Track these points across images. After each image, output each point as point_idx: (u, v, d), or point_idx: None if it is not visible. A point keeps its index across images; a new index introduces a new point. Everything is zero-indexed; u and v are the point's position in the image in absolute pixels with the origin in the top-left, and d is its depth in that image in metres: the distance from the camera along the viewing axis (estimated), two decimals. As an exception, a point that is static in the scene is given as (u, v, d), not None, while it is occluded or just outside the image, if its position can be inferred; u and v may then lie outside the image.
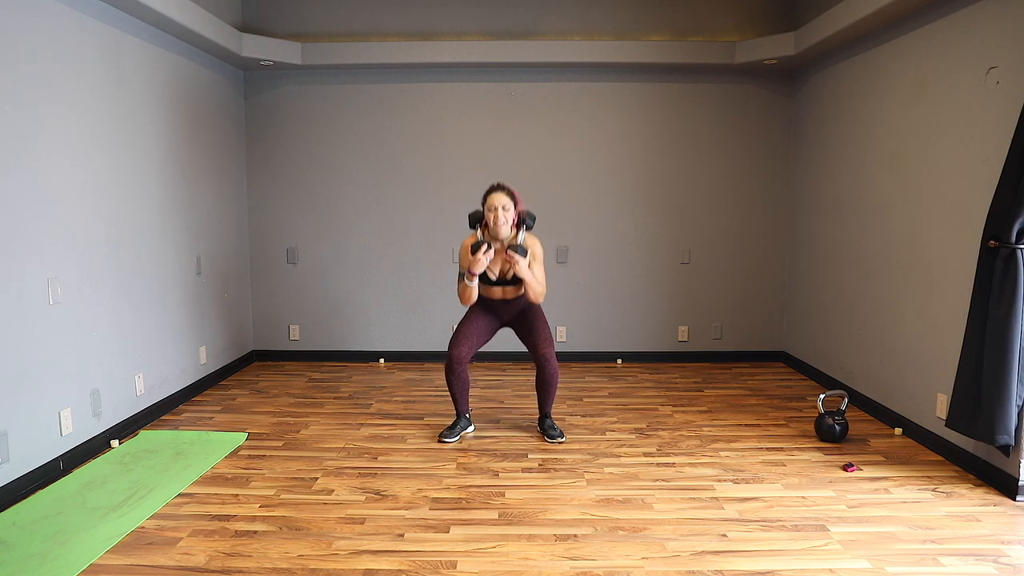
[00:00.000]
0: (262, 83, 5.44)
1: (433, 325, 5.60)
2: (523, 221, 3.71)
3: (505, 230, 3.68)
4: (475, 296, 3.74)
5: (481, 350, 5.27)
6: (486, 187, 3.80)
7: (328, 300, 5.61)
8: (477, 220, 3.74)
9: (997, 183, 3.03)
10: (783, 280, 5.61)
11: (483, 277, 3.76)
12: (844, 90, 4.62)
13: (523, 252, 3.60)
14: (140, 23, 4.02)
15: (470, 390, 4.06)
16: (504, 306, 3.87)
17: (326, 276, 5.60)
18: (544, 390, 3.87)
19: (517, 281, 3.76)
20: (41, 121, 3.24)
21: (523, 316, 3.88)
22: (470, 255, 3.62)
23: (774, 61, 5.02)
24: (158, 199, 4.26)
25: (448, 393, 4.67)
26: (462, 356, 3.77)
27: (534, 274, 3.71)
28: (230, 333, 5.25)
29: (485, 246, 3.58)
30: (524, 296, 3.84)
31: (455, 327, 3.88)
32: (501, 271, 3.76)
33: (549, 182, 5.47)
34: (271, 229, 5.56)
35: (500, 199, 3.65)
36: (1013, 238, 2.93)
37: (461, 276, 3.70)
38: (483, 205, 3.71)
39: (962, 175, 3.43)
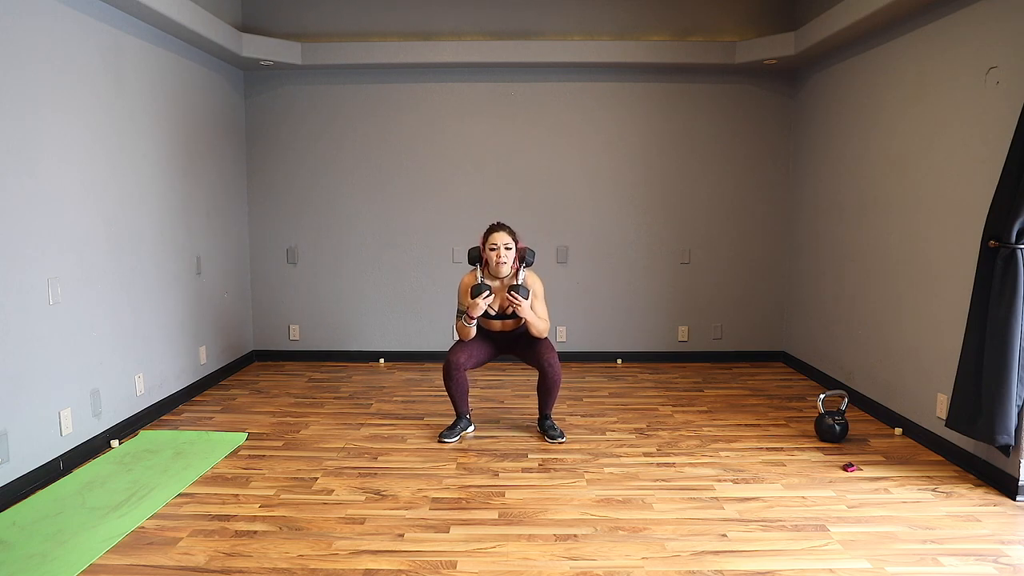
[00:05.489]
0: (262, 83, 5.44)
1: (433, 325, 5.60)
2: (523, 259, 3.73)
3: (505, 269, 3.70)
4: (473, 334, 3.79)
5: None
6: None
7: (328, 300, 5.61)
8: (476, 258, 3.75)
9: (997, 183, 3.03)
10: (783, 280, 5.61)
11: (483, 313, 3.78)
12: (844, 90, 4.62)
13: (525, 293, 3.63)
14: (140, 23, 4.02)
15: (470, 390, 4.06)
16: (503, 336, 3.92)
17: (326, 276, 5.60)
18: (546, 393, 3.86)
19: (517, 315, 3.79)
20: (41, 121, 3.24)
21: (522, 338, 3.91)
22: (470, 298, 3.64)
23: (774, 61, 5.02)
24: (158, 199, 4.26)
25: (448, 393, 4.69)
26: (460, 363, 3.77)
27: (536, 312, 3.74)
28: (230, 333, 5.25)
29: (486, 292, 3.60)
30: (524, 327, 3.87)
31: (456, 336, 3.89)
32: (501, 307, 3.79)
33: (549, 182, 5.47)
34: (271, 229, 5.56)
35: (502, 238, 3.67)
36: (1013, 238, 2.93)
37: (459, 314, 3.74)
38: (483, 243, 3.72)
39: (962, 175, 3.43)
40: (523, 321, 3.81)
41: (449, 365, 3.77)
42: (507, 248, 3.66)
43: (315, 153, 5.49)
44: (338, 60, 5.14)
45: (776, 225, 5.55)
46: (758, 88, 5.42)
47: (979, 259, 3.10)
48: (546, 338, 3.85)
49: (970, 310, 3.16)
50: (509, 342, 3.94)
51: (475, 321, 3.70)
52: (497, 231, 3.69)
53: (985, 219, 3.09)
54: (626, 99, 5.43)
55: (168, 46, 4.34)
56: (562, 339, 5.60)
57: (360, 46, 5.14)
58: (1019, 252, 2.94)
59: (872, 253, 4.26)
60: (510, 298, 3.63)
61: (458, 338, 3.83)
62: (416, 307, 5.60)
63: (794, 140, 5.42)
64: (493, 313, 3.79)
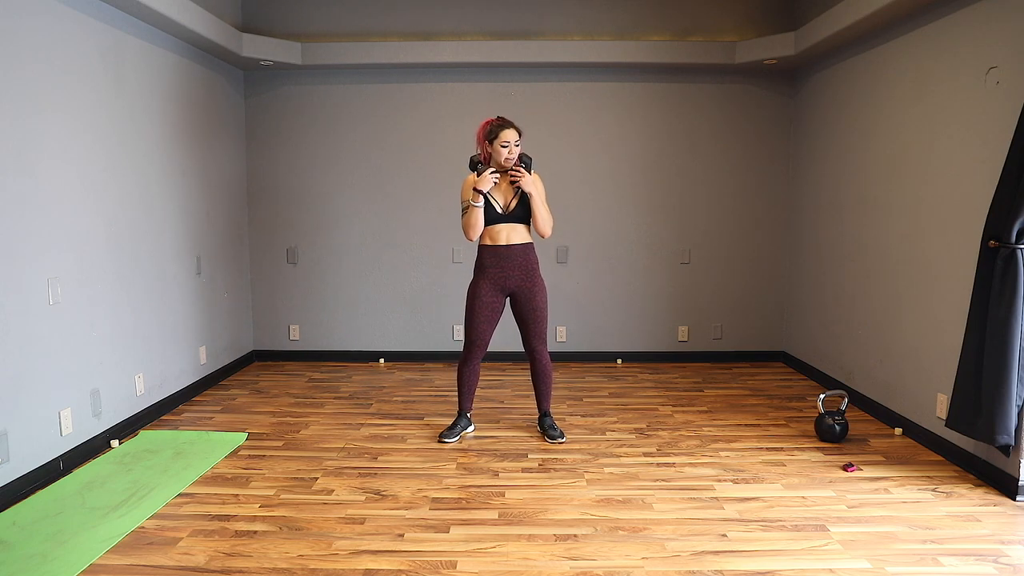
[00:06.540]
0: (262, 83, 5.44)
1: (433, 325, 5.60)
2: (522, 161, 3.71)
3: (510, 165, 3.68)
4: (481, 224, 3.67)
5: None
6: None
7: (328, 300, 5.61)
8: (477, 163, 3.72)
9: (997, 183, 3.03)
10: (783, 280, 5.61)
11: (489, 212, 3.70)
12: (844, 90, 4.62)
13: (528, 159, 3.68)
14: (140, 23, 4.02)
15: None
16: (508, 258, 3.72)
17: (326, 276, 5.60)
18: (539, 382, 3.88)
19: (523, 219, 3.72)
20: (41, 121, 3.24)
21: (527, 293, 3.75)
22: (475, 176, 3.64)
23: (774, 61, 5.02)
24: (158, 199, 4.26)
25: (449, 393, 4.68)
26: (482, 341, 3.78)
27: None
28: (230, 333, 5.25)
29: (491, 169, 3.62)
30: (530, 251, 3.77)
31: (464, 327, 3.83)
32: (506, 202, 3.73)
33: (549, 182, 5.40)
34: (271, 229, 5.56)
35: (513, 135, 3.65)
36: (1013, 238, 2.93)
37: (465, 211, 3.69)
38: (490, 141, 3.65)
39: (962, 175, 3.43)
40: (529, 237, 3.77)
41: (471, 346, 3.77)
42: (516, 146, 3.67)
43: (315, 153, 5.49)
44: (338, 60, 5.14)
45: (776, 225, 5.56)
46: (758, 88, 5.42)
47: (979, 259, 3.10)
48: (542, 326, 3.78)
49: (970, 310, 3.16)
50: (516, 278, 3.73)
51: (481, 201, 3.64)
52: (508, 128, 3.63)
53: (985, 219, 3.09)
54: (626, 99, 5.43)
55: (168, 46, 4.34)
56: (562, 339, 5.60)
57: (360, 46, 5.14)
58: (1019, 252, 2.94)
59: (872, 253, 4.26)
60: (513, 172, 3.63)
61: (466, 237, 3.72)
62: (416, 307, 5.60)
63: (794, 140, 5.42)
64: (499, 209, 3.71)
